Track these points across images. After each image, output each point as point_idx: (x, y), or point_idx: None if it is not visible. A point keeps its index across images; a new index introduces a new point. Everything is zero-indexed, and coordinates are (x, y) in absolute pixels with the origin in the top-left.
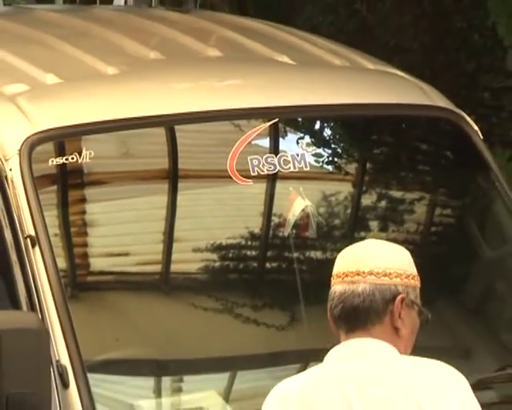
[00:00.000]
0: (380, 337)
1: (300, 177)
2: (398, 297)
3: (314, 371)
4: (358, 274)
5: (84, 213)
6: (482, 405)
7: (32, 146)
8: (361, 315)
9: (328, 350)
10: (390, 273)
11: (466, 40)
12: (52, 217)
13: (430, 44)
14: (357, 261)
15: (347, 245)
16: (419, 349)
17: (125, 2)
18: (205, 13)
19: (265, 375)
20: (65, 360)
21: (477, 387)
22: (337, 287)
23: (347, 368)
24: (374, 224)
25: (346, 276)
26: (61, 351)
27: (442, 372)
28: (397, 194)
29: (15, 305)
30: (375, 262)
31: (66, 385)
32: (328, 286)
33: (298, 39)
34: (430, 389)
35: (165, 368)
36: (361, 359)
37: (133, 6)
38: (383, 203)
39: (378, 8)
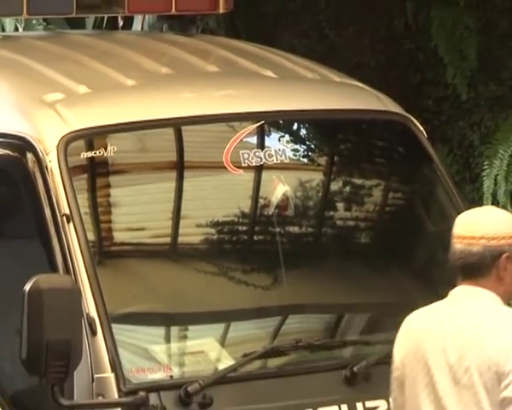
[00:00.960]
0: (487, 285)
1: (281, 167)
2: (504, 255)
3: (433, 305)
4: (473, 238)
5: (108, 196)
6: None
7: (66, 143)
8: (474, 269)
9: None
10: (497, 237)
11: (413, 59)
12: (83, 199)
13: (385, 62)
14: (472, 228)
15: (318, 221)
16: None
17: (142, 28)
18: (206, 36)
19: (253, 325)
20: (93, 313)
21: None
22: (457, 246)
23: (453, 308)
24: (340, 205)
25: (464, 238)
26: (90, 306)
27: None
28: (358, 181)
29: (54, 269)
30: (485, 229)
31: (94, 333)
32: (305, 254)
33: (279, 57)
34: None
35: (173, 320)
36: (465, 302)
37: (148, 31)
38: (348, 188)
39: (343, 33)
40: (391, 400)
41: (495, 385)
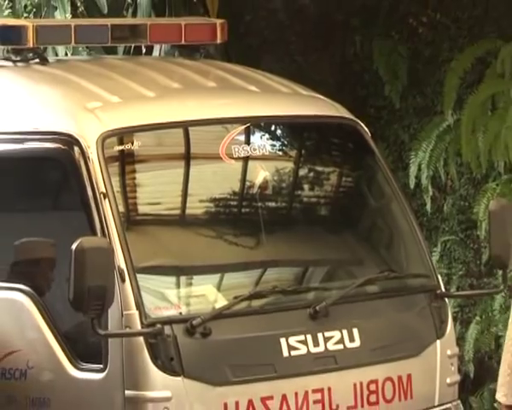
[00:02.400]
0: None
1: (262, 158)
2: None
3: None
4: None
5: (134, 178)
6: (369, 294)
7: (103, 139)
8: None
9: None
10: None
11: (360, 78)
12: (115, 181)
13: (339, 80)
14: None
15: (289, 198)
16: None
17: (159, 54)
18: (206, 61)
19: (241, 275)
20: (122, 266)
21: (366, 283)
22: None
23: None
24: (306, 186)
25: None
26: (120, 260)
27: None
28: (320, 168)
29: (94, 233)
30: None
31: (123, 280)
32: (280, 222)
33: (260, 76)
34: None
35: (182, 271)
36: None
37: (164, 56)
38: (312, 174)
39: (308, 58)
40: None
41: None
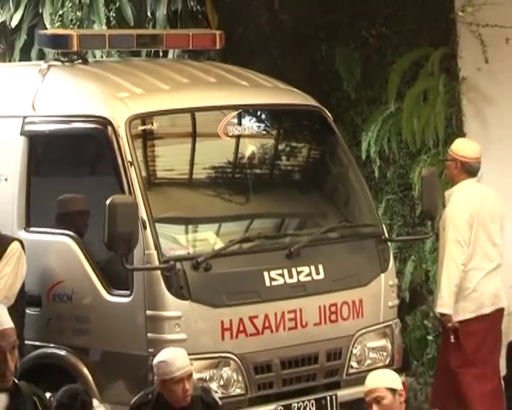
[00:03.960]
0: None
1: (250, 136)
2: None
3: None
4: None
5: (153, 151)
6: (331, 239)
7: (130, 121)
8: None
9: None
10: None
11: (325, 76)
12: (139, 153)
13: (309, 78)
14: None
15: (271, 166)
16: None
17: (173, 56)
18: (209, 62)
19: (235, 224)
20: (144, 217)
21: (329, 230)
22: None
23: None
24: (283, 157)
25: None
26: (142, 213)
27: None
28: (294, 143)
29: (123, 192)
30: None
31: (145, 228)
32: (264, 184)
33: (250, 74)
34: None
35: (190, 221)
36: None
37: (176, 58)
38: (288, 148)
39: (286, 62)
40: None
41: None
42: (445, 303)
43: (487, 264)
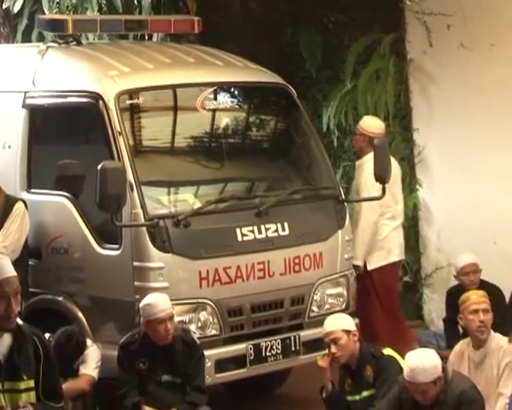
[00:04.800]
0: None
1: (225, 109)
2: None
3: None
4: None
5: (139, 122)
6: (295, 200)
7: (119, 96)
8: None
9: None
10: None
11: (291, 57)
12: (127, 124)
13: (277, 59)
14: None
15: (244, 136)
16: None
17: (157, 39)
18: (188, 44)
19: (211, 187)
20: (131, 180)
21: (293, 192)
22: None
23: None
24: (254, 128)
25: None
26: (130, 177)
27: None
28: (263, 116)
29: (112, 158)
30: None
31: (132, 190)
32: (237, 152)
33: (223, 55)
34: None
35: (171, 184)
36: None
37: (159, 41)
38: (258, 120)
39: (257, 45)
40: None
41: None
42: (358, 257)
43: (393, 221)
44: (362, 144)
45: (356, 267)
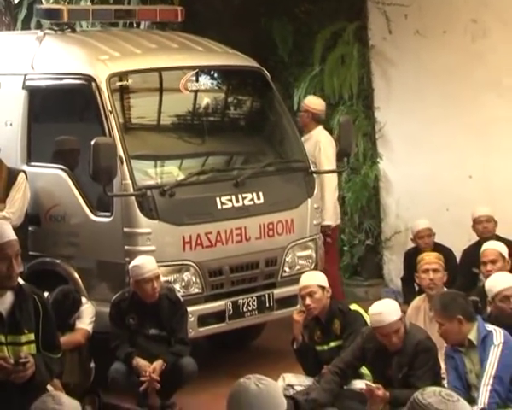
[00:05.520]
0: None
1: (205, 90)
2: None
3: None
4: None
5: (129, 102)
6: (269, 172)
7: (110, 78)
8: None
9: (215, 151)
10: None
11: (266, 44)
12: (117, 103)
13: (253, 45)
14: None
15: (223, 114)
16: (250, 151)
17: (144, 27)
18: (172, 32)
19: (193, 160)
20: (121, 154)
21: (267, 165)
22: None
23: None
24: (231, 107)
25: None
26: (120, 151)
27: None
28: (240, 96)
29: (104, 135)
30: None
31: (122, 163)
32: (216, 128)
33: (204, 41)
34: None
35: (158, 157)
36: None
37: (146, 29)
38: (236, 100)
39: (235, 33)
40: None
41: None
42: (329, 217)
43: (336, 192)
44: (306, 120)
45: (327, 227)
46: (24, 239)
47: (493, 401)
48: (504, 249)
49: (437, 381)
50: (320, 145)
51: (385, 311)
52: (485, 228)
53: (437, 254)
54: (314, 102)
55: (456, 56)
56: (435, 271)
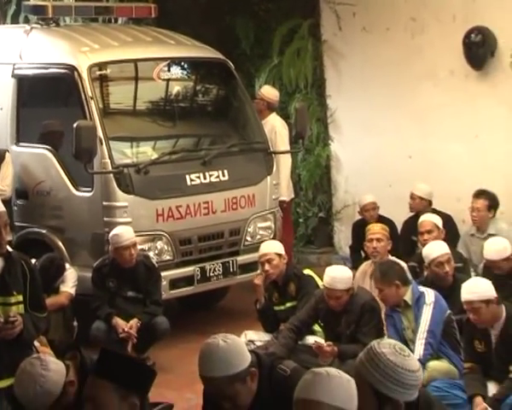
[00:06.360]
0: None
1: (177, 79)
2: None
3: None
4: None
5: (108, 89)
6: (234, 152)
7: (90, 68)
8: None
9: (186, 134)
10: None
11: (227, 38)
12: (97, 90)
13: (219, 39)
14: None
15: (191, 100)
16: (216, 134)
17: (121, 22)
18: (146, 27)
19: (165, 142)
20: (101, 135)
21: (232, 146)
22: None
23: None
24: (200, 94)
25: None
26: (100, 133)
27: None
28: (207, 85)
29: (85, 118)
30: None
31: (101, 143)
32: (186, 113)
33: (175, 35)
34: None
35: (134, 139)
36: None
37: (123, 24)
38: (203, 88)
39: (202, 29)
40: None
41: None
42: (284, 193)
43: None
44: (262, 107)
45: (283, 202)
46: (10, 211)
47: (427, 353)
48: (439, 221)
49: (380, 337)
50: (276, 130)
51: (337, 277)
52: (371, 216)
53: (382, 225)
54: (269, 92)
55: (398, 51)
56: (378, 240)
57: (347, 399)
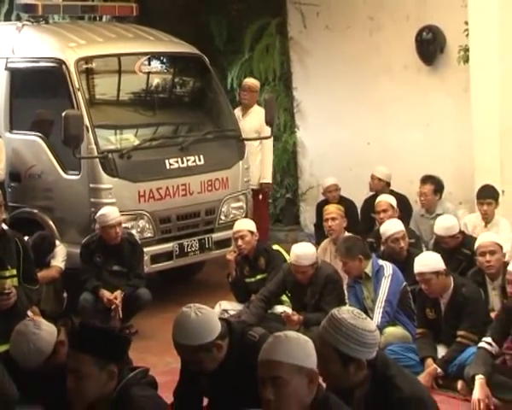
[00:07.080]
0: None
1: (156, 72)
2: None
3: None
4: None
5: (93, 81)
6: (209, 139)
7: (77, 61)
8: None
9: (164, 123)
10: None
11: (204, 33)
12: (83, 82)
13: (195, 36)
14: None
15: (170, 92)
16: (193, 122)
17: (105, 20)
18: (129, 24)
19: (146, 130)
20: (87, 124)
21: (207, 133)
22: None
23: None
24: (177, 86)
25: None
26: (86, 121)
27: None
28: (184, 78)
29: (73, 108)
30: None
31: (88, 131)
32: (165, 104)
33: (155, 32)
34: None
35: (119, 128)
36: None
37: (107, 21)
38: (181, 81)
39: (181, 26)
40: None
41: None
42: (268, 176)
43: None
44: (257, 98)
45: (267, 184)
46: (3, 193)
47: (385, 320)
48: (394, 201)
49: (341, 305)
50: (259, 119)
51: (302, 255)
52: (333, 197)
53: (337, 205)
54: (256, 84)
55: (357, 47)
56: (333, 219)
57: (305, 357)
